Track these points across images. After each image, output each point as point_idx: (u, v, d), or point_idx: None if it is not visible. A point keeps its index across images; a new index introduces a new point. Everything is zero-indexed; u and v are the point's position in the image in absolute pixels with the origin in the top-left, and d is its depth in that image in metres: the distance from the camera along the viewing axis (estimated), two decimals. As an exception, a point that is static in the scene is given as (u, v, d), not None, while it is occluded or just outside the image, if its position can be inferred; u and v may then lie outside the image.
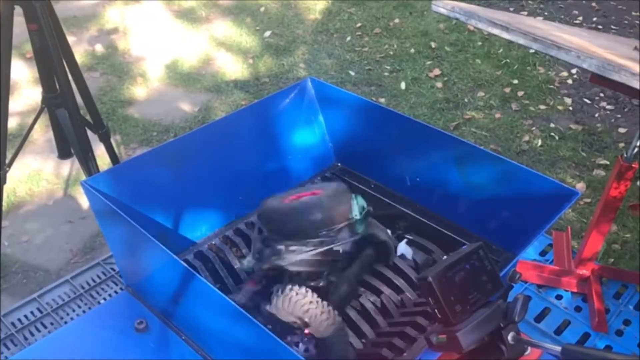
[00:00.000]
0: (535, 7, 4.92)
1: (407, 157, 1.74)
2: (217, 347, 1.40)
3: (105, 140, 2.30)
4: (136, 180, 1.52)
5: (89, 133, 2.19)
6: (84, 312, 1.96)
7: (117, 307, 1.62)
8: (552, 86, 3.95)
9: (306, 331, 1.30)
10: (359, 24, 4.63)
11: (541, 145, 3.40)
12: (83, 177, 2.24)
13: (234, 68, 4.15)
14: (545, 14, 4.80)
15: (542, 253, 2.33)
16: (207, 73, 4.10)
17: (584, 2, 4.97)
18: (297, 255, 1.33)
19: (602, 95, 3.87)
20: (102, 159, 2.47)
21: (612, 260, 2.58)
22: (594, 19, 4.73)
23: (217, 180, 1.66)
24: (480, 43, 4.36)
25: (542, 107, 3.75)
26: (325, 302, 1.28)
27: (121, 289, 2.00)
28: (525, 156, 3.32)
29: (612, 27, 4.61)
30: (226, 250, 1.62)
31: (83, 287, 2.04)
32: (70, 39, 2.41)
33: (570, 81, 4.02)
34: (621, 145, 3.40)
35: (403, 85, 3.92)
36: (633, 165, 1.94)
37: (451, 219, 1.65)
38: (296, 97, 1.83)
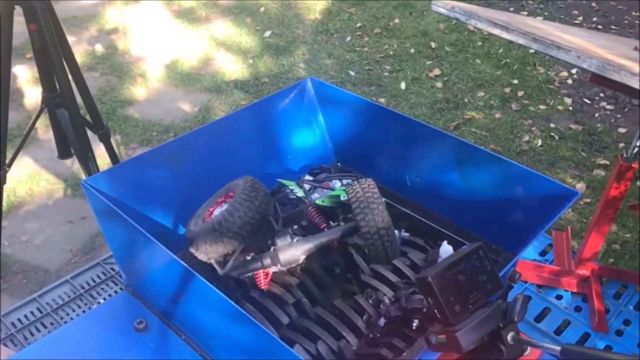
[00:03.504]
0: (535, 7, 4.92)
1: (407, 157, 1.74)
2: (216, 346, 1.40)
3: (105, 140, 2.30)
4: (136, 180, 1.52)
5: (89, 133, 2.19)
6: (84, 312, 1.96)
7: (117, 307, 1.62)
8: (552, 86, 3.95)
9: None
10: (359, 24, 4.64)
11: (541, 145, 3.40)
12: (83, 177, 2.24)
13: (234, 68, 4.15)
14: (545, 14, 4.80)
15: (542, 253, 2.33)
16: (207, 73, 4.10)
17: (584, 2, 4.97)
18: None
19: (602, 95, 3.87)
20: (102, 159, 2.47)
21: (612, 260, 2.58)
22: (594, 19, 4.73)
23: (217, 180, 1.66)
24: (480, 43, 4.36)
25: (542, 107, 3.75)
26: None
27: (121, 289, 2.00)
28: (525, 156, 3.32)
29: (612, 27, 4.61)
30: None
31: (83, 287, 2.04)
32: (70, 39, 2.41)
33: (570, 81, 4.02)
34: (621, 145, 3.40)
35: (403, 85, 3.92)
36: (633, 165, 1.94)
37: (451, 219, 1.64)
38: (296, 97, 1.83)
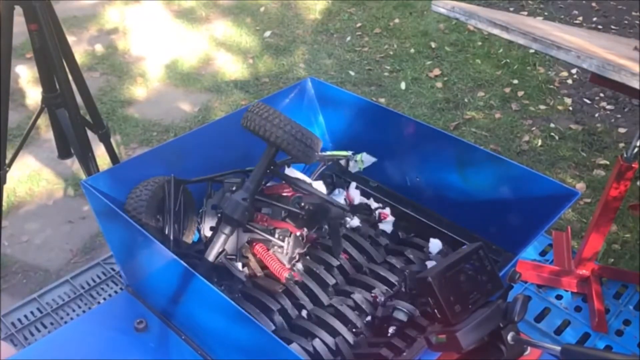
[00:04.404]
0: (535, 7, 4.92)
1: (407, 157, 1.74)
2: (217, 346, 1.40)
3: (105, 140, 2.30)
4: (136, 180, 1.52)
5: (89, 133, 2.19)
6: (84, 312, 1.96)
7: (117, 307, 1.62)
8: (552, 86, 3.95)
9: None
10: (359, 24, 4.64)
11: (541, 145, 3.40)
12: (83, 177, 2.24)
13: (234, 68, 4.15)
14: (545, 14, 4.81)
15: (542, 253, 2.33)
16: (207, 73, 4.10)
17: (584, 2, 4.97)
18: None
19: (602, 95, 3.87)
20: (102, 159, 2.48)
21: (612, 260, 2.58)
22: (594, 19, 4.73)
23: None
24: (480, 43, 4.36)
25: (542, 107, 3.75)
26: None
27: (121, 289, 2.00)
28: (525, 156, 3.32)
29: (612, 27, 4.61)
30: (226, 250, 1.62)
31: (83, 287, 2.04)
32: (70, 39, 2.41)
33: (570, 81, 4.02)
34: (621, 145, 3.40)
35: (403, 85, 3.92)
36: (633, 165, 1.94)
37: (451, 219, 1.64)
38: (296, 97, 1.83)
